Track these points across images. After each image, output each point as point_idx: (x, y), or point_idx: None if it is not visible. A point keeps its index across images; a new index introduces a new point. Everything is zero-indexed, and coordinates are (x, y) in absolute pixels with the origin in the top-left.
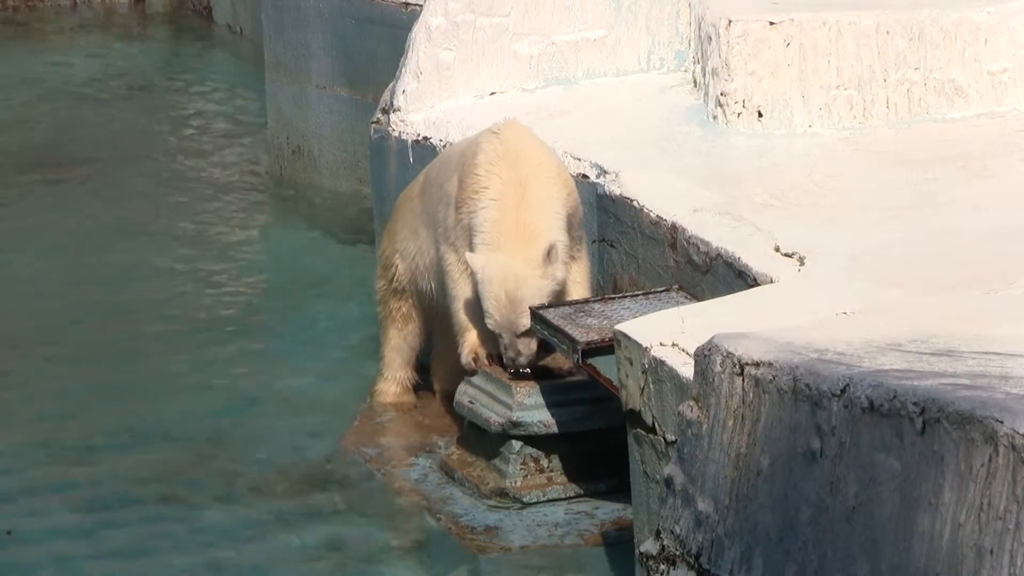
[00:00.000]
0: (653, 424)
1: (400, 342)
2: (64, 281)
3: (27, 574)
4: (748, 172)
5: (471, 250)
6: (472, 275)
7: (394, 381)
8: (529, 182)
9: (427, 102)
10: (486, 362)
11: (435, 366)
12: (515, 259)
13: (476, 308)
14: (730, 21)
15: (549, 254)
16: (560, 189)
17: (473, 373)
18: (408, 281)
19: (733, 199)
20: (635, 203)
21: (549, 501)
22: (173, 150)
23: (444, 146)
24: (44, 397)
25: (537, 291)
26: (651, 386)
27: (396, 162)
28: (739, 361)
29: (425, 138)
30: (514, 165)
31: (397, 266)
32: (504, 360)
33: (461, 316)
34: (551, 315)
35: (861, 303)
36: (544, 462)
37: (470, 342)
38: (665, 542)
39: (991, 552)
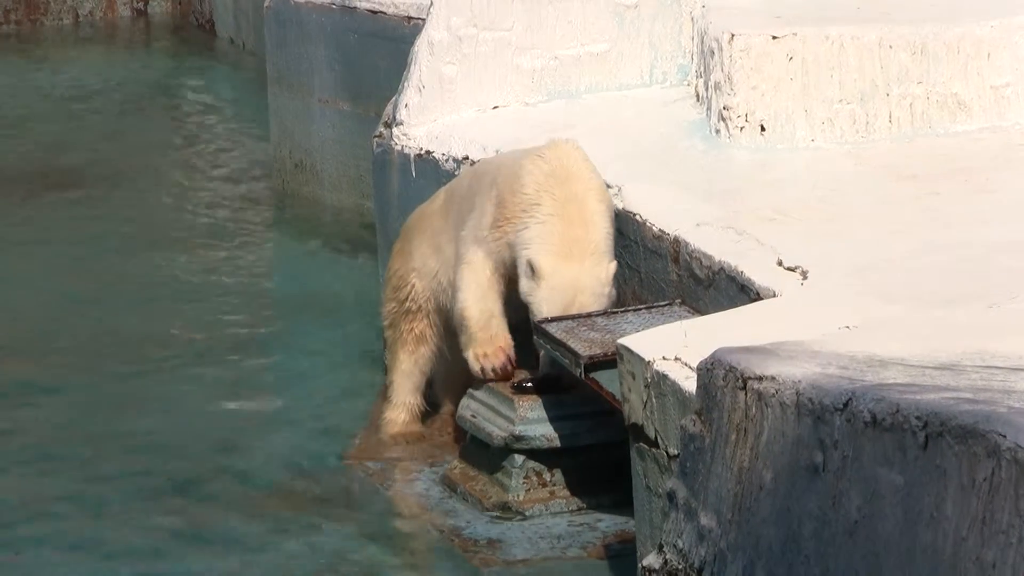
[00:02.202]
0: (655, 438)
1: (411, 367)
2: (64, 295)
3: None
4: (750, 186)
5: (518, 266)
6: (521, 281)
7: (403, 408)
8: (585, 199)
9: (430, 116)
10: (498, 373)
11: (443, 382)
12: (586, 272)
13: (484, 305)
14: (733, 35)
15: (613, 276)
16: (608, 209)
17: (483, 382)
18: (426, 300)
19: (735, 213)
20: (638, 217)
21: (552, 514)
22: (175, 164)
23: (447, 160)
24: (47, 412)
25: (600, 307)
26: (653, 400)
27: (399, 176)
28: (742, 375)
29: (428, 152)
30: (566, 182)
31: (413, 285)
32: (549, 373)
33: (465, 310)
34: (554, 329)
35: (864, 317)
36: (547, 476)
37: (477, 341)
38: (668, 556)
39: (993, 566)
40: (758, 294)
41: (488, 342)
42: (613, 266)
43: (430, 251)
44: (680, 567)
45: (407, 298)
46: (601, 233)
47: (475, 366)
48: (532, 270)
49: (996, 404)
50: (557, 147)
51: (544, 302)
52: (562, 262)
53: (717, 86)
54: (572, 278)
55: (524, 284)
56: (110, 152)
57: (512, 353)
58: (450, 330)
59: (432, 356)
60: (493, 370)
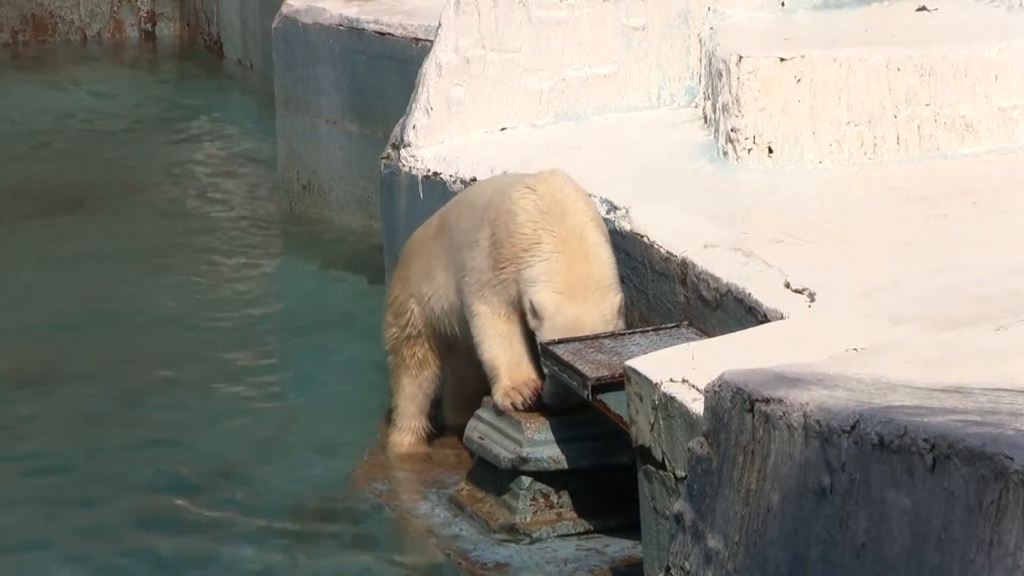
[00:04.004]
0: (663, 460)
1: (414, 390)
2: (71, 318)
3: None
4: (758, 208)
5: (525, 299)
6: (528, 317)
7: (409, 431)
8: (585, 233)
9: (437, 137)
10: (527, 404)
11: (448, 404)
12: (588, 311)
13: (512, 352)
14: (740, 57)
15: (619, 309)
16: (607, 239)
17: (492, 405)
18: (424, 325)
19: (743, 235)
20: (645, 239)
21: (559, 537)
22: (182, 186)
23: (454, 182)
24: (52, 435)
25: None
26: (661, 422)
27: (406, 198)
28: (749, 397)
29: (435, 173)
30: (563, 217)
31: (413, 311)
32: (551, 404)
33: (490, 361)
34: (561, 351)
35: (871, 339)
36: (554, 498)
37: (502, 385)
38: None
39: None
40: (766, 316)
41: (517, 379)
42: (619, 299)
43: (425, 277)
44: None
45: (407, 324)
46: (605, 266)
47: (505, 402)
48: (535, 310)
49: (1004, 427)
50: (548, 180)
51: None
52: (566, 301)
53: (725, 108)
54: (574, 318)
55: (530, 321)
56: (117, 172)
57: (540, 386)
58: (452, 353)
59: (435, 378)
60: (523, 403)
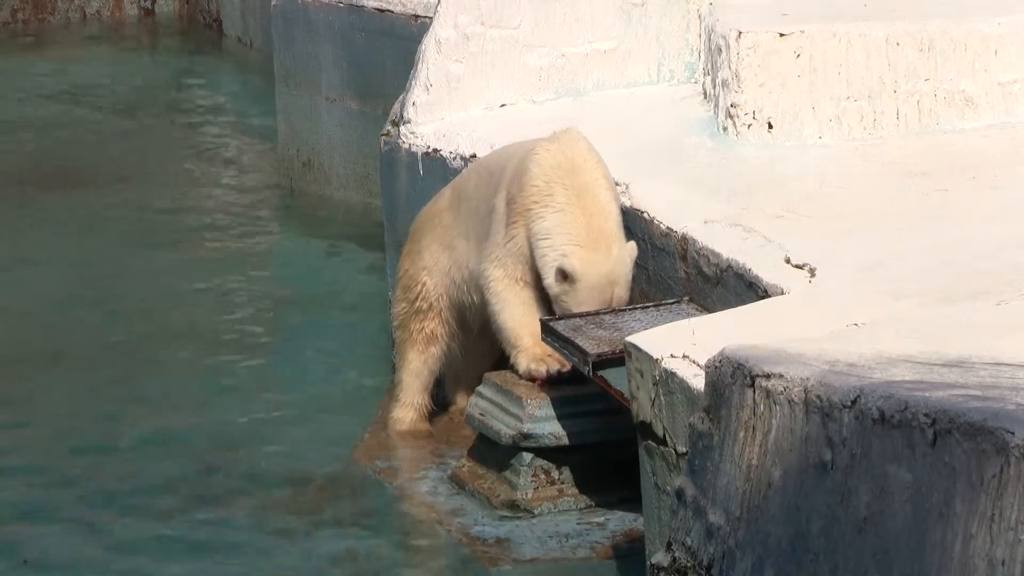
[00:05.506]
0: (664, 436)
1: (420, 366)
2: (73, 295)
3: None
4: (758, 183)
5: (537, 259)
6: (550, 284)
7: (411, 407)
8: (596, 188)
9: (437, 114)
10: (550, 370)
11: (454, 380)
12: (616, 263)
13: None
14: (740, 33)
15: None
16: (617, 196)
17: (490, 381)
18: (438, 297)
19: (743, 210)
20: (645, 215)
21: (560, 512)
22: (183, 163)
23: (454, 158)
24: (55, 413)
25: (629, 292)
26: (662, 398)
27: (407, 174)
28: (750, 373)
29: (435, 150)
30: (574, 172)
31: (424, 283)
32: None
33: (514, 327)
34: (561, 327)
35: (872, 314)
36: (555, 474)
37: (530, 351)
38: (676, 554)
39: (1003, 563)
40: (766, 291)
41: (546, 348)
42: (632, 246)
43: (441, 248)
44: (689, 565)
45: (418, 297)
46: (617, 221)
47: (540, 368)
48: (564, 274)
49: (1005, 401)
50: (562, 137)
51: (583, 304)
52: (591, 256)
53: (724, 83)
54: (606, 273)
55: (556, 287)
56: (117, 151)
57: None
58: (463, 327)
59: (442, 355)
60: (559, 372)
